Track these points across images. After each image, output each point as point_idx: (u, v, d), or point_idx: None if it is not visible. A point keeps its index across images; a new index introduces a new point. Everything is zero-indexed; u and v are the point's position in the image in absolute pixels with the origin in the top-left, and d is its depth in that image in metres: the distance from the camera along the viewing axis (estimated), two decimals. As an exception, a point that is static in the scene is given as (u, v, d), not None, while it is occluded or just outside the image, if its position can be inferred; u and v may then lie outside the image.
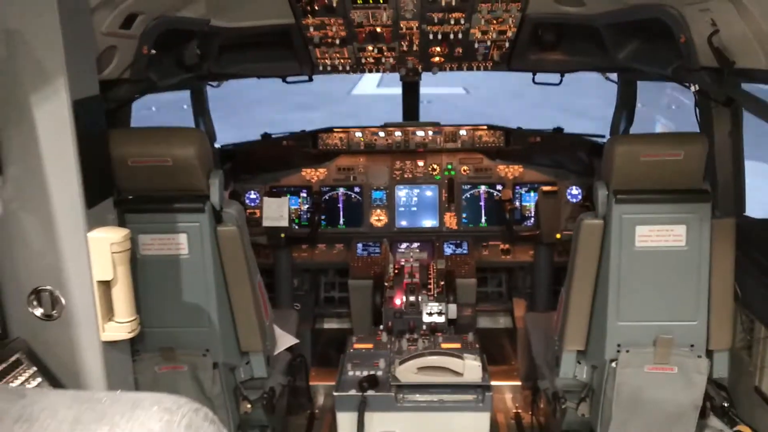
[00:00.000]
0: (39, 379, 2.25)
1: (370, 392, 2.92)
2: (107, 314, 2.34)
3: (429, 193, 4.64)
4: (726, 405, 3.16)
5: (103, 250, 2.27)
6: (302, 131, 4.68)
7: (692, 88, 3.03)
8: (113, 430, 0.83)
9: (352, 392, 2.89)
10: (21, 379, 2.19)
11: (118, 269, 2.28)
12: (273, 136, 4.66)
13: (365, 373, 3.04)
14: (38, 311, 2.31)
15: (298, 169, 4.58)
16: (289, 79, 4.14)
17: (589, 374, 3.04)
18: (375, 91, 21.16)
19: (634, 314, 2.89)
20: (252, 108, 17.64)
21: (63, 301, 2.32)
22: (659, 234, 2.81)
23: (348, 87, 22.50)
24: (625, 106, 4.28)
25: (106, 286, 2.31)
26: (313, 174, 4.61)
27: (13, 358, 2.22)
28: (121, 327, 2.35)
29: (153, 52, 2.89)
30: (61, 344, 2.34)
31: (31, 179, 2.17)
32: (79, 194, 2.23)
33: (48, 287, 2.29)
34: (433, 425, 3.00)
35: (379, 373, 3.06)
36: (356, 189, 4.62)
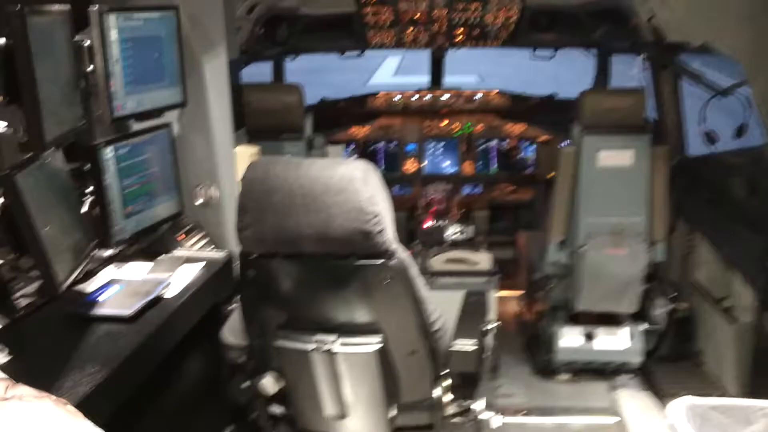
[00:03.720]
0: (205, 240, 3.32)
1: None
2: (244, 202, 3.42)
3: (451, 146, 5.63)
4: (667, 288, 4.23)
5: (244, 158, 3.34)
6: (353, 95, 5.76)
7: (642, 57, 4.08)
8: None
9: None
10: (196, 237, 3.26)
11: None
12: (329, 99, 5.75)
13: None
14: (200, 200, 3.39)
15: (348, 126, 5.63)
16: (345, 54, 5.25)
17: (567, 258, 4.08)
18: (391, 80, 21.29)
19: (598, 212, 3.81)
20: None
21: (217, 193, 3.41)
22: (614, 156, 3.74)
23: (365, 78, 22.91)
24: (602, 73, 5.23)
25: (244, 183, 3.40)
26: (359, 131, 5.64)
27: (190, 225, 3.30)
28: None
29: (262, 30, 3.99)
30: (214, 222, 3.38)
31: (200, 111, 3.09)
32: (229, 122, 3.28)
33: (207, 183, 3.38)
34: (457, 303, 4.05)
35: None
36: (394, 143, 5.61)
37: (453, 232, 4.74)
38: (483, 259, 4.13)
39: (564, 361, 4.06)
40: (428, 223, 4.75)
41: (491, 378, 3.36)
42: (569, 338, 4.04)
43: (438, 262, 4.14)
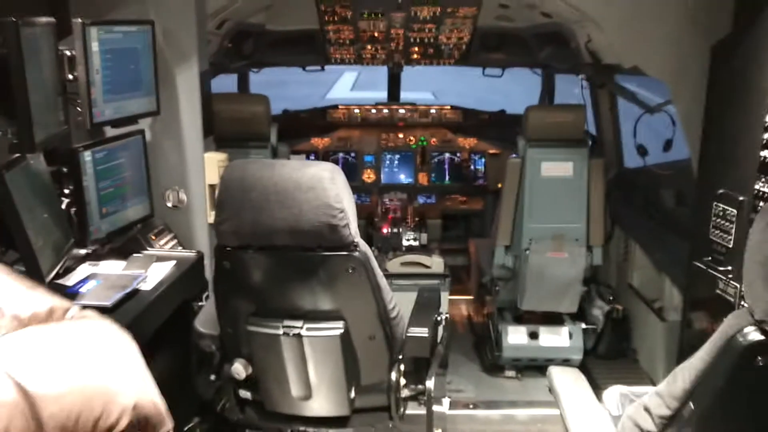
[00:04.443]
0: (174, 241, 3.49)
1: None
2: (213, 206, 3.60)
3: (407, 158, 5.88)
4: (605, 291, 4.56)
5: (212, 164, 3.52)
6: (314, 107, 6.00)
7: (581, 77, 4.43)
8: None
9: None
10: (166, 238, 3.43)
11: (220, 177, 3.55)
12: (291, 110, 5.96)
13: None
14: (169, 203, 3.56)
15: (309, 137, 5.85)
16: (307, 68, 5.48)
17: (513, 261, 4.37)
18: (348, 95, 21.45)
19: (540, 219, 4.09)
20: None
21: (185, 197, 3.58)
22: (556, 167, 4.03)
23: (323, 92, 23.06)
24: (547, 91, 5.57)
25: (213, 188, 3.57)
26: (320, 142, 5.87)
27: (160, 227, 3.47)
28: (220, 214, 3.62)
29: (228, 45, 4.19)
30: (183, 225, 3.54)
31: (172, 119, 3.27)
32: (199, 129, 3.46)
33: (176, 188, 3.55)
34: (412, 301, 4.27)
35: None
36: (352, 154, 5.85)
37: (408, 238, 4.99)
38: (436, 263, 4.39)
39: (510, 358, 4.34)
40: (385, 230, 4.98)
41: (441, 374, 3.58)
42: (515, 336, 4.31)
43: (394, 265, 4.38)
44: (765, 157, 2.68)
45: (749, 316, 1.50)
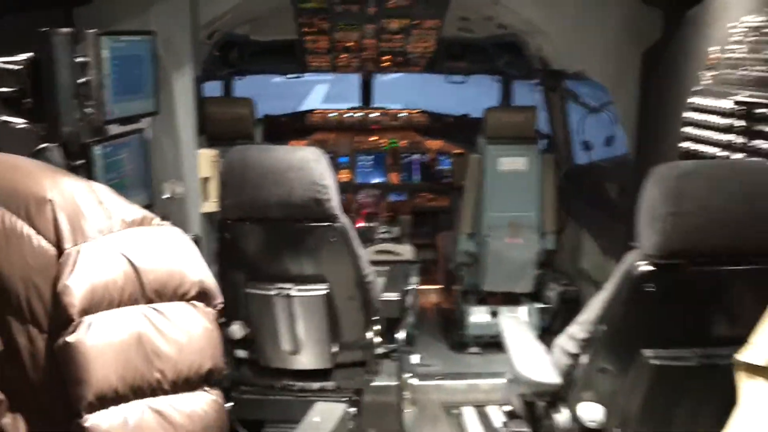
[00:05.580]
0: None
1: None
2: (205, 197, 3.99)
3: (379, 159, 6.25)
4: (559, 275, 5.03)
5: (205, 160, 3.91)
6: (294, 112, 6.43)
7: (535, 82, 4.94)
8: None
9: None
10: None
11: (212, 172, 3.94)
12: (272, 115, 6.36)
13: None
14: (166, 194, 3.94)
15: (288, 139, 6.24)
16: (288, 76, 5.93)
17: (475, 248, 4.83)
18: (320, 107, 21.89)
19: (499, 208, 4.54)
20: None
21: (181, 189, 3.96)
22: (512, 162, 4.51)
23: (296, 104, 23.37)
24: (505, 95, 6.03)
25: (205, 181, 3.96)
26: (298, 144, 6.18)
27: (159, 215, 3.83)
28: (212, 204, 3.99)
29: (217, 54, 4.60)
30: (178, 214, 3.89)
31: (169, 118, 3.60)
32: (194, 128, 3.85)
33: (173, 180, 3.93)
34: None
35: None
36: (328, 155, 6.25)
37: (381, 231, 5.43)
38: (406, 251, 4.84)
39: (474, 335, 4.78)
40: (360, 224, 5.39)
41: (410, 352, 3.97)
42: (478, 316, 4.77)
43: (368, 254, 4.79)
44: (686, 149, 3.16)
45: (641, 253, 1.97)
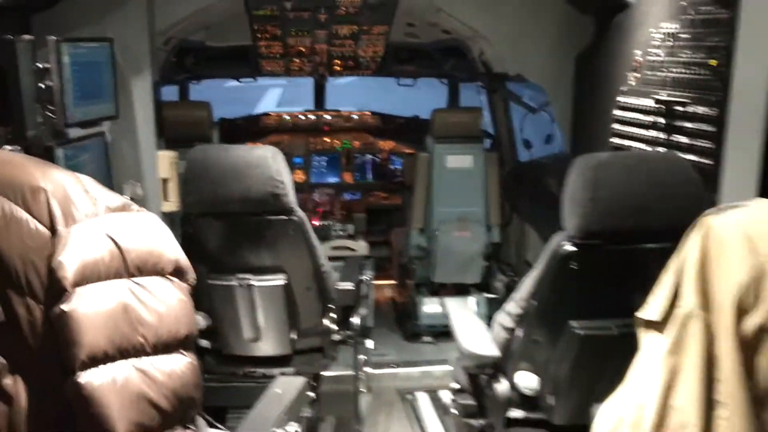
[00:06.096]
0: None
1: None
2: (165, 197, 4.11)
3: (333, 160, 6.43)
4: (506, 267, 5.30)
5: (164, 161, 4.04)
6: (249, 115, 6.56)
7: (479, 84, 5.20)
8: None
9: None
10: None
11: (171, 173, 4.07)
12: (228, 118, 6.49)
13: None
14: (126, 195, 4.05)
15: (244, 141, 6.35)
16: (241, 80, 6.07)
17: (426, 242, 5.05)
18: (275, 110, 21.92)
19: (447, 204, 4.78)
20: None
21: (141, 190, 4.07)
22: (458, 160, 4.78)
23: (249, 109, 23.25)
24: (452, 99, 6.29)
25: (164, 181, 4.08)
26: (254, 146, 6.40)
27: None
28: (171, 204, 4.12)
29: (173, 59, 4.73)
30: None
31: (128, 122, 3.70)
32: (153, 131, 3.98)
33: (133, 181, 4.04)
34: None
35: None
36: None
37: (337, 229, 5.61)
38: (361, 247, 5.04)
39: (426, 325, 5.01)
40: (316, 222, 5.56)
41: (364, 339, 4.16)
42: (430, 307, 5.00)
43: (324, 250, 4.98)
44: (617, 144, 3.43)
45: (565, 235, 2.21)
